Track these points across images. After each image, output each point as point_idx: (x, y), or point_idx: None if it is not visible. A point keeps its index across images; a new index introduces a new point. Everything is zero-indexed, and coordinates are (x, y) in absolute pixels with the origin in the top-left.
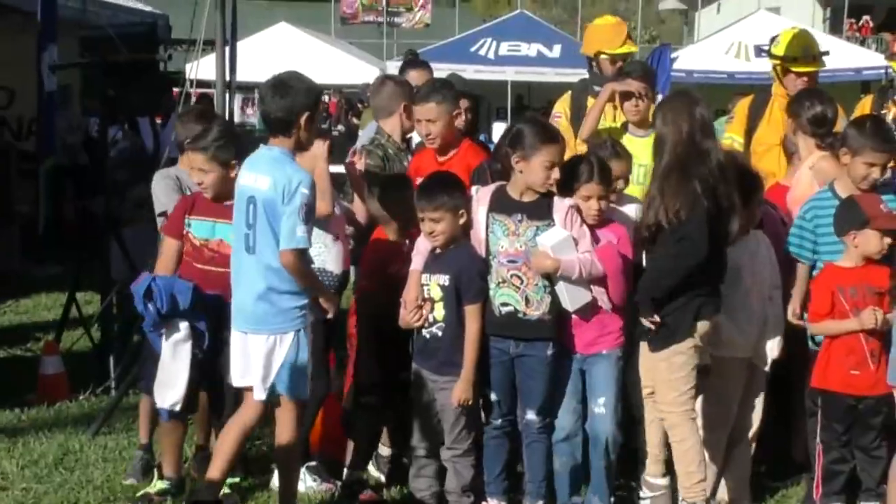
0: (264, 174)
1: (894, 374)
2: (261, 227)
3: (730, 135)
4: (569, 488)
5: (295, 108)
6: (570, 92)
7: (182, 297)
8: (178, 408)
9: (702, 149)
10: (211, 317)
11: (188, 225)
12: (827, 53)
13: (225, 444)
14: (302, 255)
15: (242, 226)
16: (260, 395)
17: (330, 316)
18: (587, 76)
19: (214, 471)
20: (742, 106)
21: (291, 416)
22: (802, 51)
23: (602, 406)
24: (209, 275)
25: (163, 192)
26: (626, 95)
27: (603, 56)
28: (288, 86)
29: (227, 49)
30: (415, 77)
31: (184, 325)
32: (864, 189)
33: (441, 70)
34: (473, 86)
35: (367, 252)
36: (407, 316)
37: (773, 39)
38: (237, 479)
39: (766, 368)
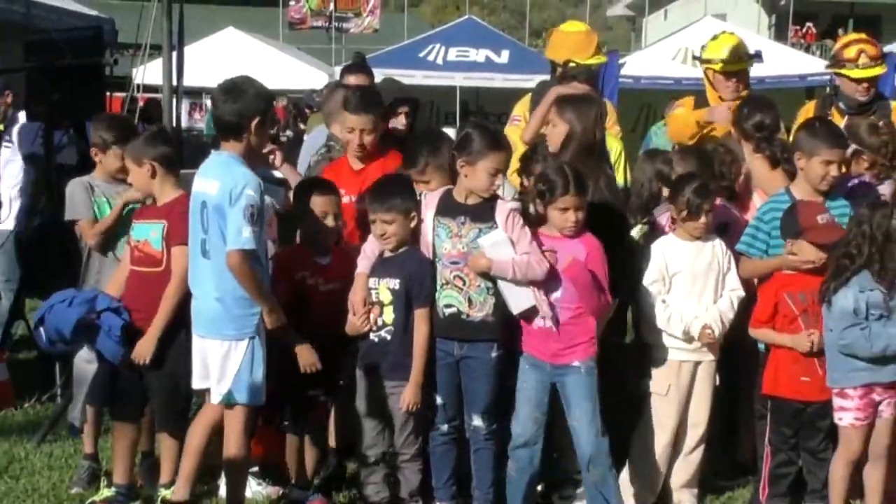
0: (213, 178)
1: (832, 378)
2: (213, 232)
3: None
4: (522, 497)
5: (246, 113)
6: (529, 95)
7: (66, 329)
8: (77, 423)
9: (605, 151)
10: (126, 334)
11: (132, 229)
12: (759, 56)
13: (192, 446)
14: (248, 257)
15: (198, 231)
16: (215, 398)
17: (269, 327)
18: (541, 80)
19: (183, 473)
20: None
21: (242, 421)
22: (730, 52)
23: (579, 419)
24: (138, 275)
25: (71, 200)
26: None
27: (572, 64)
28: (240, 90)
29: (175, 53)
30: (354, 82)
31: (87, 347)
32: (823, 190)
33: (393, 76)
34: (422, 91)
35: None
36: (356, 321)
37: (703, 48)
38: None
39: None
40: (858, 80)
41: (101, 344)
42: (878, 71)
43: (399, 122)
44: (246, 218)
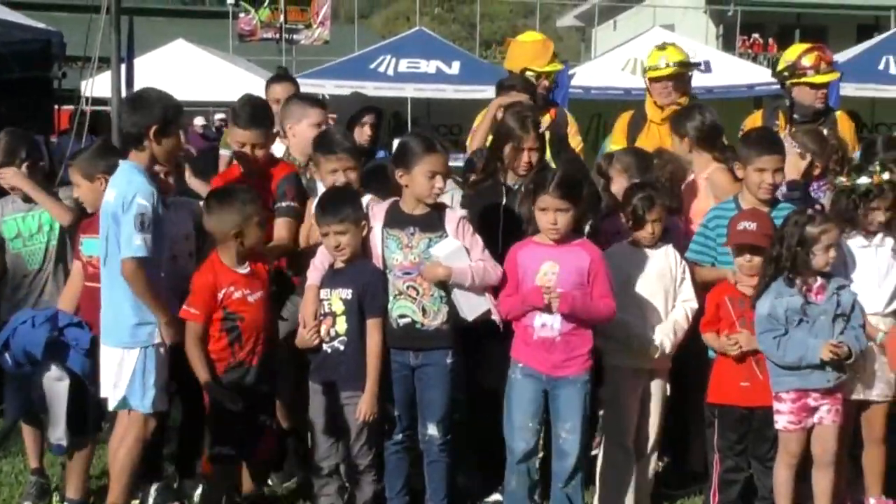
0: (112, 187)
1: (770, 382)
2: (110, 240)
3: (611, 147)
4: None
5: (143, 122)
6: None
7: (36, 350)
8: (63, 443)
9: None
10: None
11: (81, 244)
12: (699, 65)
13: (117, 465)
14: (141, 265)
15: (104, 240)
16: (111, 405)
17: (168, 342)
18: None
19: (112, 496)
20: (622, 120)
21: (138, 427)
22: (664, 60)
23: (568, 431)
24: (91, 291)
25: None
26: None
27: (530, 72)
28: (141, 100)
29: (124, 66)
30: (279, 91)
31: (55, 365)
32: (762, 198)
33: (343, 88)
34: (373, 103)
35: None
36: (307, 334)
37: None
38: None
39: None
40: (819, 86)
41: (72, 360)
42: (837, 75)
43: (364, 133)
44: (136, 226)
